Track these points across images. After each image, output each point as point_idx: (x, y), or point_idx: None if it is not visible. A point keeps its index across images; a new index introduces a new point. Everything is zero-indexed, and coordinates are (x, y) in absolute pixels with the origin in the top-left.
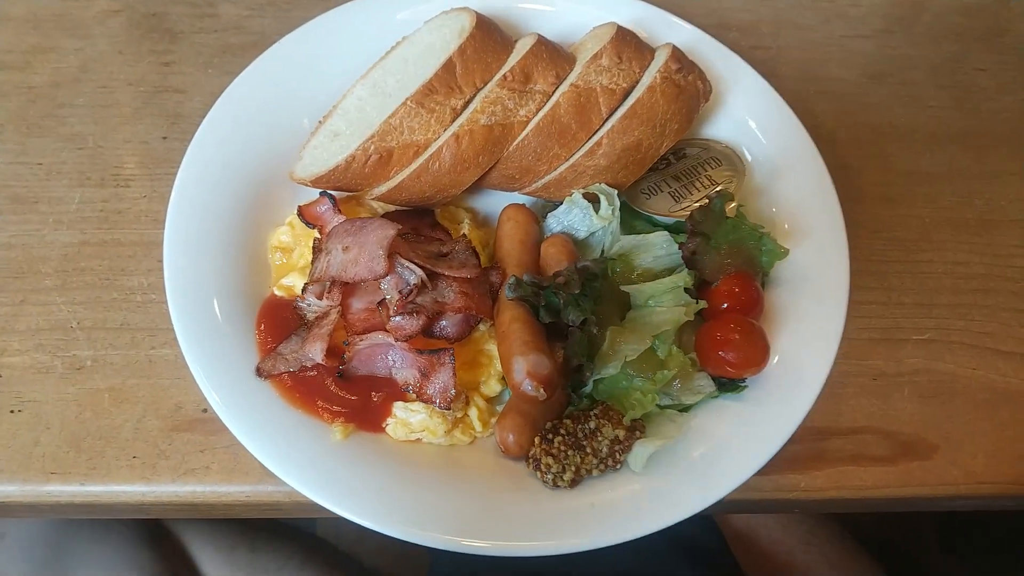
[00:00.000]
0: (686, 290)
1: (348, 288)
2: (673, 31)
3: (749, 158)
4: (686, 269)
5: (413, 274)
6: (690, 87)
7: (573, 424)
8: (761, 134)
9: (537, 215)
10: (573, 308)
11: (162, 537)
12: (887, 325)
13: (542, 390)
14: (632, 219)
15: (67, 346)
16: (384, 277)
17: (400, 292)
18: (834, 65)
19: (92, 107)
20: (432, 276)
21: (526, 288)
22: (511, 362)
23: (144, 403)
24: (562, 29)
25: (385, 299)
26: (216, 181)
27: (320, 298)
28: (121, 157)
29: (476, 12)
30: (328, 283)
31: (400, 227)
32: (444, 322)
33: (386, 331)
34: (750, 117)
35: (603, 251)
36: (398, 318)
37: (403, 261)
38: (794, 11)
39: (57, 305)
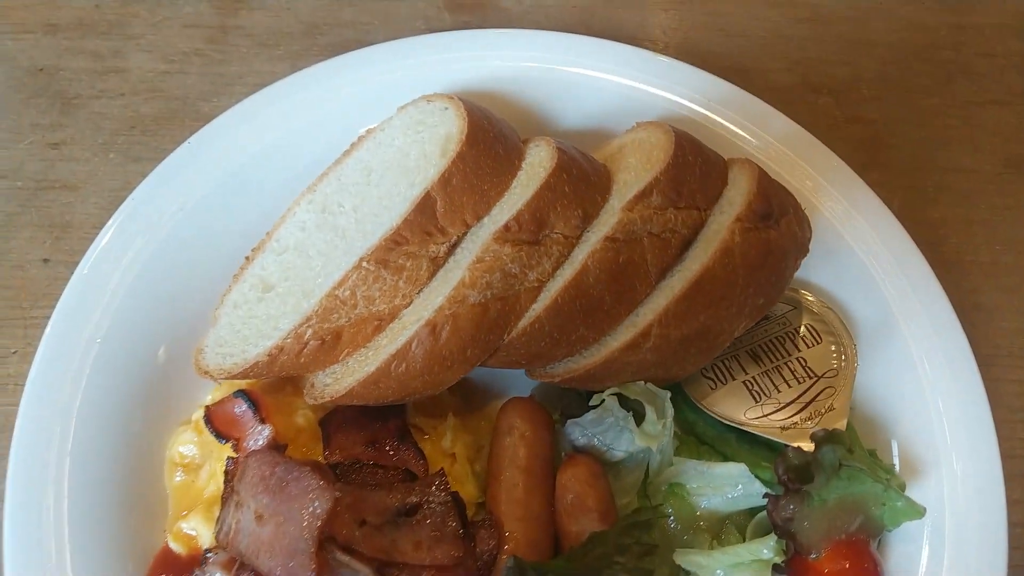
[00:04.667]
0: (775, 567)
1: None
2: (741, 112)
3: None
4: (774, 534)
5: (357, 574)
6: (783, 239)
7: None
8: (877, 292)
9: (550, 416)
10: None
11: None
12: None
13: None
14: (689, 410)
15: None
16: None
17: None
18: (959, 146)
19: None
20: (388, 566)
21: None
22: None
23: None
24: (592, 112)
25: None
26: (96, 359)
27: (227, 572)
28: None
29: (468, 108)
30: (240, 556)
31: (337, 494)
32: None
33: None
34: (863, 265)
35: (647, 476)
36: None
37: (341, 557)
38: (903, 63)
39: None
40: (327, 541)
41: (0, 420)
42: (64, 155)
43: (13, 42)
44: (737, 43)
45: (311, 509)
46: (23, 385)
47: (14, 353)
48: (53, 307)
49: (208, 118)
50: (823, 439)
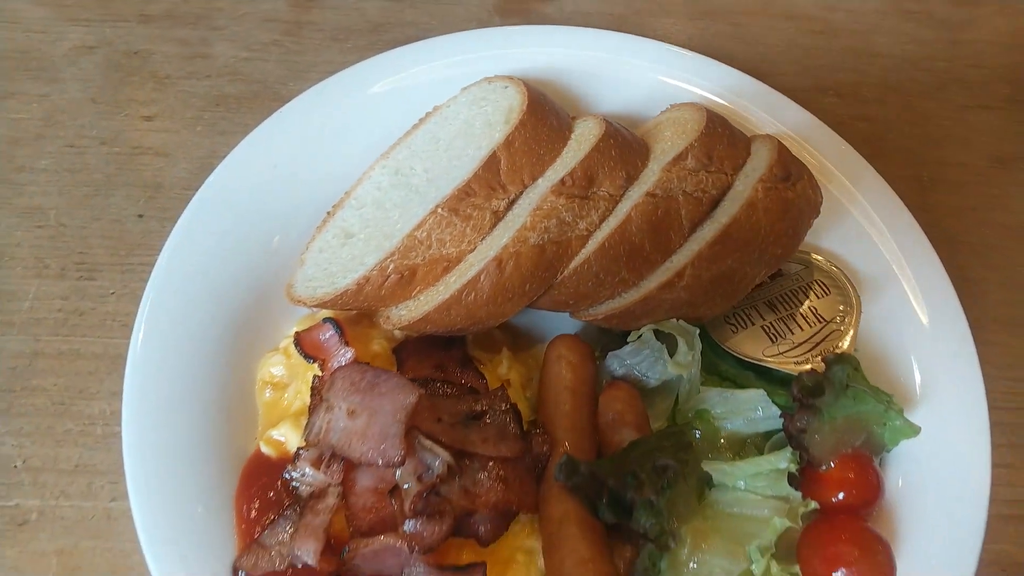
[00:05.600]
0: (790, 476)
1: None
2: (760, 102)
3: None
4: (789, 446)
5: (437, 458)
6: (799, 200)
7: None
8: (878, 253)
9: (593, 350)
10: (646, 513)
11: None
12: (1018, 496)
13: None
14: (713, 354)
15: (7, 492)
16: (400, 465)
17: (419, 479)
18: (952, 144)
19: (57, 172)
20: (461, 455)
21: (583, 477)
22: None
23: (100, 575)
24: (629, 99)
25: (399, 487)
26: (198, 295)
27: (317, 468)
28: (87, 240)
29: (527, 86)
30: (328, 451)
31: (421, 391)
32: (474, 517)
33: (398, 534)
34: (865, 230)
35: (677, 401)
36: (414, 523)
37: (425, 442)
38: (903, 71)
39: None
40: (412, 429)
41: (100, 350)
42: (156, 127)
43: (111, 29)
44: (755, 50)
45: (400, 401)
46: (120, 322)
47: (112, 294)
48: (147, 256)
49: (285, 99)
50: (833, 360)
